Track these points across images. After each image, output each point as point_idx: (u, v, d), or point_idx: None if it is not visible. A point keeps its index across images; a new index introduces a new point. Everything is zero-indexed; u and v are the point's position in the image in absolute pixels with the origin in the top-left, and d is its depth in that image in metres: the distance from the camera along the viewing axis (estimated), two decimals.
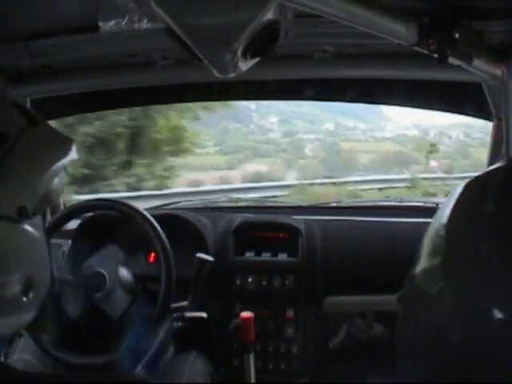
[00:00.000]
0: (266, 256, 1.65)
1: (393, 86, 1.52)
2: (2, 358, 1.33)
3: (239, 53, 0.94)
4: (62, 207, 1.77)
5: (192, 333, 1.56)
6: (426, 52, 0.97)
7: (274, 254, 1.66)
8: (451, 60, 0.97)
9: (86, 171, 4.84)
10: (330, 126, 8.01)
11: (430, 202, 1.86)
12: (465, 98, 1.50)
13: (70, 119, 3.97)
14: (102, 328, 1.36)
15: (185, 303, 1.40)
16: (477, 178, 0.43)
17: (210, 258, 1.42)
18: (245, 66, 1.00)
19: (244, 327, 1.35)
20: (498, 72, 1.08)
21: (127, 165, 5.26)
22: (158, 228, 1.38)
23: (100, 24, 1.05)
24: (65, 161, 0.70)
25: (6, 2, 1.01)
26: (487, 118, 1.43)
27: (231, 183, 5.81)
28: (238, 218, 1.74)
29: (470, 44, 0.97)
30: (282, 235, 1.70)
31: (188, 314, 1.39)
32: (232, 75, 1.00)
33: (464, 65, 1.01)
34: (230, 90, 1.65)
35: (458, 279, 0.38)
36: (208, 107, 5.45)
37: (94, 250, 1.44)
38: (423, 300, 0.41)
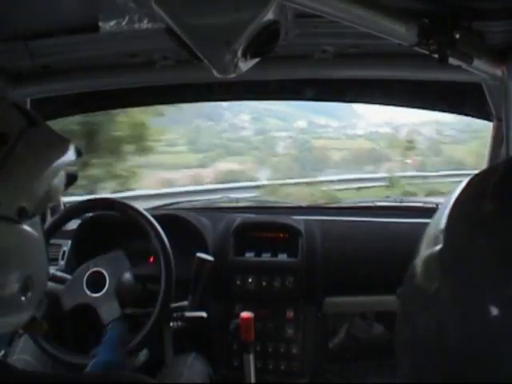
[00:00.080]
0: (265, 256, 1.65)
1: (393, 87, 1.52)
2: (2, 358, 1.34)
3: (239, 53, 0.94)
4: (62, 207, 1.77)
5: (192, 333, 1.56)
6: (426, 52, 0.97)
7: (274, 255, 1.66)
8: (451, 60, 0.97)
9: None
10: (302, 123, 7.99)
11: (430, 203, 1.86)
12: (465, 98, 1.50)
13: None
14: (91, 328, 1.36)
15: (185, 303, 1.40)
16: (476, 176, 0.43)
17: (210, 258, 1.42)
18: (245, 66, 1.00)
19: (244, 327, 1.35)
20: (498, 72, 1.08)
21: (81, 166, 4.97)
22: (159, 228, 1.38)
23: (100, 24, 1.05)
24: (64, 161, 0.70)
25: (5, 2, 1.01)
26: (487, 118, 1.42)
27: (202, 182, 5.67)
28: (238, 218, 1.74)
29: (470, 44, 0.97)
30: (281, 235, 1.70)
31: (188, 314, 1.39)
32: (232, 75, 1.00)
33: (464, 65, 1.01)
34: (230, 90, 1.65)
35: (456, 278, 0.38)
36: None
37: (95, 250, 1.44)
38: (421, 299, 0.41)
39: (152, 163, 6.06)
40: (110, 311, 1.30)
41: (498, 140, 1.38)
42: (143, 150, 5.21)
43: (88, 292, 1.33)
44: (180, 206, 1.95)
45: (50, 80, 1.43)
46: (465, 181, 0.43)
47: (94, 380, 0.72)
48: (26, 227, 0.64)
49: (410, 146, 6.33)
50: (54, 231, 1.41)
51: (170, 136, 6.93)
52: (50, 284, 1.35)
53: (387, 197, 2.06)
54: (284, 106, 7.37)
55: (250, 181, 5.66)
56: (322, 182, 5.65)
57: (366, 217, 1.78)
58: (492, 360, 0.35)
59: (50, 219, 1.49)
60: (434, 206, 1.75)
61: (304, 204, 2.03)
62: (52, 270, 1.44)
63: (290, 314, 1.63)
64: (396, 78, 1.43)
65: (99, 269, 1.36)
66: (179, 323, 1.42)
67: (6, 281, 0.61)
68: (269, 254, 1.66)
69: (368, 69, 1.35)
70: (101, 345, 1.21)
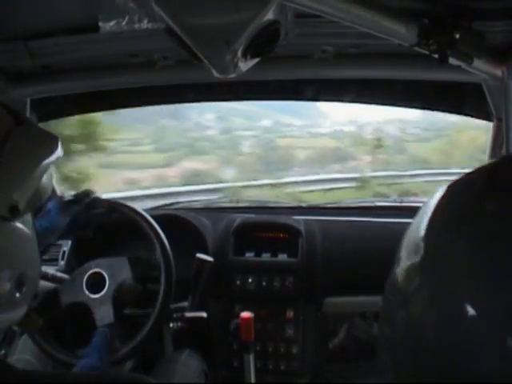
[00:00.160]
0: (266, 256, 1.65)
1: (393, 86, 1.52)
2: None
3: (239, 53, 0.94)
4: None
5: (192, 333, 1.56)
6: (427, 52, 0.97)
7: (274, 255, 1.66)
8: (451, 60, 0.97)
9: None
10: (267, 122, 7.94)
11: None
12: (465, 98, 1.50)
13: None
14: (84, 328, 1.36)
15: (185, 304, 1.40)
16: (463, 176, 0.43)
17: (209, 259, 1.42)
18: (245, 66, 1.00)
19: (244, 327, 1.35)
20: (498, 72, 1.08)
21: None
22: (158, 228, 1.37)
23: (100, 24, 1.05)
24: (52, 158, 0.71)
25: (6, 2, 1.01)
26: (487, 118, 1.42)
27: (166, 182, 5.60)
28: (238, 218, 1.74)
29: (471, 44, 0.97)
30: (282, 235, 1.70)
31: (188, 314, 1.39)
32: (232, 75, 1.00)
33: (464, 65, 1.01)
34: (230, 90, 1.65)
35: (435, 277, 0.38)
36: None
37: (95, 250, 1.44)
38: (400, 297, 0.41)
39: (116, 163, 5.99)
40: (103, 315, 1.30)
41: (498, 140, 1.38)
42: (95, 150, 5.02)
43: (86, 292, 1.33)
44: (180, 206, 1.96)
45: (49, 80, 1.43)
46: (445, 186, 0.43)
47: (94, 380, 0.72)
48: (18, 225, 0.65)
49: (378, 144, 6.19)
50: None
51: (134, 135, 6.85)
52: (50, 285, 1.35)
53: (387, 197, 2.05)
54: (249, 105, 7.31)
55: (215, 180, 5.51)
56: (288, 184, 5.31)
57: (366, 217, 1.78)
58: (466, 356, 0.35)
59: None
60: None
61: (304, 204, 2.03)
62: (52, 270, 1.44)
63: (290, 313, 1.63)
64: (396, 78, 1.42)
65: (100, 270, 1.35)
66: (179, 323, 1.42)
67: (0, 278, 0.62)
68: (269, 254, 1.66)
69: (368, 69, 1.35)
70: (87, 348, 1.21)
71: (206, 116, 7.25)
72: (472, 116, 1.54)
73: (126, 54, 1.29)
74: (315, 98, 1.70)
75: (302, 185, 5.24)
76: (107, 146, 5.31)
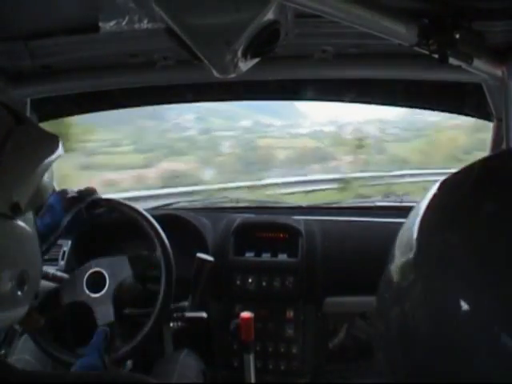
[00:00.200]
0: (265, 256, 1.65)
1: (393, 86, 1.52)
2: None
3: (239, 53, 0.94)
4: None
5: (192, 333, 1.56)
6: (427, 52, 0.97)
7: (274, 255, 1.66)
8: (451, 60, 0.97)
9: None
10: (246, 123, 7.91)
11: None
12: (465, 98, 1.50)
13: None
14: (85, 327, 1.36)
15: (185, 303, 1.40)
16: (454, 175, 0.43)
17: (210, 258, 1.42)
18: (245, 66, 1.00)
19: (244, 327, 1.35)
20: (499, 72, 1.08)
21: None
22: (159, 228, 1.37)
23: (100, 24, 1.05)
24: (53, 157, 0.72)
25: (5, 2, 1.01)
26: (487, 118, 1.42)
27: (146, 183, 5.56)
28: (238, 218, 1.74)
29: (471, 44, 0.97)
30: (282, 235, 1.70)
31: (188, 314, 1.39)
32: (232, 75, 1.00)
33: (464, 65, 1.01)
34: (230, 90, 1.65)
35: (428, 274, 0.38)
36: None
37: (95, 250, 1.44)
38: (394, 295, 0.41)
39: (96, 164, 5.95)
40: (104, 314, 1.30)
41: (498, 140, 1.38)
42: (69, 151, 5.04)
43: (87, 291, 1.33)
44: (180, 205, 1.96)
45: (49, 80, 1.43)
46: (437, 183, 0.43)
47: (94, 380, 0.72)
48: (20, 223, 0.65)
49: (360, 144, 6.11)
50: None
51: (113, 136, 6.81)
52: (51, 284, 1.35)
53: (387, 197, 2.05)
54: (228, 105, 7.25)
55: (194, 181, 5.43)
56: (269, 186, 5.08)
57: (366, 217, 1.78)
58: (460, 352, 0.35)
59: None
60: None
61: (304, 204, 2.03)
62: (52, 269, 1.44)
63: (290, 313, 1.63)
64: (396, 78, 1.42)
65: (100, 270, 1.35)
66: (179, 323, 1.42)
67: (2, 276, 0.62)
68: (269, 254, 1.66)
69: (368, 69, 1.35)
70: (87, 347, 1.21)
71: (185, 117, 7.22)
72: (472, 116, 1.54)
73: (126, 53, 1.29)
74: (315, 97, 1.70)
75: (282, 187, 5.05)
76: (82, 147, 5.30)
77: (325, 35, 1.16)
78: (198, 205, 1.99)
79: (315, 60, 1.30)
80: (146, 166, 6.27)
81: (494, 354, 0.33)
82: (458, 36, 0.94)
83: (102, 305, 1.31)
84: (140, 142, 7.07)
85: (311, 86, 1.61)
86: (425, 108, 1.70)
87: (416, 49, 0.97)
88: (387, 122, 7.47)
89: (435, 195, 0.43)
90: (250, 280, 1.62)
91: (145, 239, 1.38)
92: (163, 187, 5.17)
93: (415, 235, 0.41)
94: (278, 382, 1.64)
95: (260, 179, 5.50)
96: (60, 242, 1.61)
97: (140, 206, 1.43)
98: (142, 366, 1.39)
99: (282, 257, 1.65)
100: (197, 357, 1.48)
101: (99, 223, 1.61)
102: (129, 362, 1.39)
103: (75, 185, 1.39)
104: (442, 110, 1.65)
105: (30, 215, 0.68)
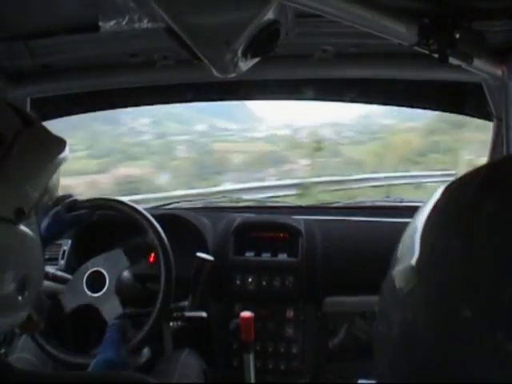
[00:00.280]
0: (265, 256, 1.65)
1: (393, 86, 1.52)
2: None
3: (239, 53, 0.94)
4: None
5: (192, 332, 1.56)
6: (427, 52, 0.97)
7: (274, 254, 1.66)
8: (451, 60, 0.97)
9: None
10: (202, 127, 7.86)
11: None
12: (465, 98, 1.50)
13: None
14: (94, 328, 1.36)
15: (185, 303, 1.40)
16: (458, 179, 0.43)
17: (210, 258, 1.42)
18: (245, 65, 1.00)
19: (244, 327, 1.35)
20: (499, 72, 1.08)
21: None
22: (158, 228, 1.37)
23: (100, 24, 1.05)
24: (59, 161, 0.71)
25: (5, 2, 1.01)
26: (487, 118, 1.42)
27: (99, 189, 5.40)
28: (238, 217, 1.74)
29: (471, 44, 0.97)
30: (282, 235, 1.70)
31: (188, 314, 1.39)
32: (232, 75, 1.00)
33: (464, 65, 1.01)
34: (230, 90, 1.65)
35: (430, 277, 0.38)
36: None
37: (95, 250, 1.44)
38: (397, 297, 0.41)
39: None
40: (111, 309, 1.31)
41: (498, 140, 1.38)
42: None
43: (89, 292, 1.34)
44: (180, 205, 1.96)
45: (50, 80, 1.43)
46: (441, 187, 0.43)
47: (94, 380, 0.72)
48: (23, 227, 0.64)
49: (317, 147, 5.92)
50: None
51: (67, 141, 6.77)
52: (51, 284, 1.35)
53: (387, 197, 2.06)
54: (184, 109, 7.20)
55: (149, 187, 5.29)
56: (224, 192, 4.48)
57: (366, 217, 1.78)
58: (463, 360, 0.35)
59: None
60: None
61: (304, 204, 2.03)
62: (52, 269, 1.44)
63: (290, 313, 1.63)
64: (396, 78, 1.42)
65: (98, 268, 1.36)
66: (179, 323, 1.42)
67: (3, 280, 0.61)
68: (269, 254, 1.66)
69: (368, 68, 1.35)
70: (102, 344, 1.21)
71: (140, 121, 7.12)
72: (472, 116, 1.54)
73: (125, 53, 1.29)
74: (315, 97, 1.70)
75: (237, 193, 4.54)
76: None
77: (325, 35, 1.16)
78: (197, 204, 1.99)
79: (315, 60, 1.30)
80: (100, 171, 6.17)
81: (495, 359, 0.33)
82: (458, 36, 0.94)
83: (106, 301, 1.32)
84: (94, 146, 6.93)
85: (311, 85, 1.61)
86: (425, 108, 1.70)
87: (416, 48, 0.97)
88: (342, 126, 7.49)
89: (439, 200, 0.43)
90: (249, 280, 1.62)
91: (144, 238, 1.39)
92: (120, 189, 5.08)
93: (418, 239, 0.41)
94: (278, 382, 1.64)
95: (215, 184, 5.37)
96: (60, 241, 1.62)
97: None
98: (142, 366, 1.39)
99: (282, 256, 1.65)
100: (198, 356, 1.48)
101: (100, 222, 1.61)
102: (145, 350, 1.38)
103: None
104: (442, 110, 1.65)
105: (33, 220, 0.68)
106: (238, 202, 2.04)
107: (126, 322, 1.30)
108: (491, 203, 0.38)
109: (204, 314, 1.40)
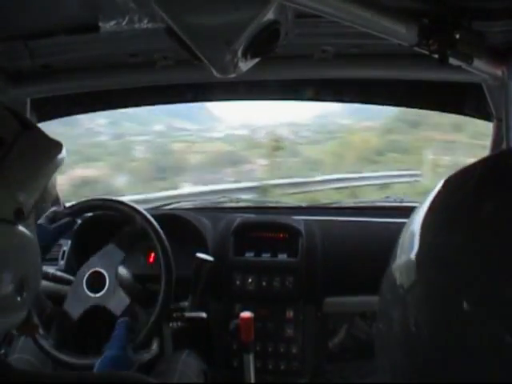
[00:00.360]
0: (265, 256, 1.65)
1: (393, 86, 1.52)
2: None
3: (239, 53, 0.94)
4: (62, 207, 1.77)
5: (192, 333, 1.56)
6: (427, 52, 0.97)
7: (274, 255, 1.66)
8: (451, 60, 0.97)
9: None
10: (160, 127, 7.81)
11: None
12: (465, 98, 1.50)
13: None
14: (105, 326, 1.36)
15: (185, 303, 1.40)
16: (456, 174, 0.43)
17: (209, 258, 1.42)
18: (245, 66, 1.00)
19: (244, 327, 1.35)
20: (499, 72, 1.08)
21: None
22: (158, 228, 1.38)
23: (100, 24, 1.05)
24: (58, 162, 0.72)
25: (5, 2, 1.01)
26: (487, 118, 1.42)
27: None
28: (238, 218, 1.74)
29: (471, 44, 0.97)
30: (281, 235, 1.70)
31: (188, 314, 1.39)
32: (232, 75, 1.00)
33: (464, 65, 1.01)
34: (230, 90, 1.65)
35: (430, 273, 0.38)
36: None
37: (94, 249, 1.44)
38: (396, 295, 0.41)
39: None
40: (118, 302, 1.32)
41: (498, 140, 1.38)
42: None
43: (91, 294, 1.34)
44: (180, 205, 1.96)
45: (49, 80, 1.43)
46: (440, 182, 0.43)
47: (94, 380, 0.72)
48: (22, 228, 0.64)
49: (277, 146, 5.79)
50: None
51: None
52: (51, 285, 1.35)
53: (387, 197, 2.05)
54: (141, 109, 7.19)
55: (106, 190, 5.12)
56: (181, 196, 4.25)
57: (366, 217, 1.78)
58: (462, 354, 0.35)
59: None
60: None
61: (304, 204, 2.03)
62: (52, 269, 1.44)
63: (290, 313, 1.62)
64: (396, 78, 1.42)
65: (96, 268, 1.36)
66: (179, 323, 1.42)
67: (2, 281, 0.62)
68: (269, 254, 1.66)
69: (368, 69, 1.35)
70: (110, 341, 1.22)
71: (97, 121, 7.03)
72: (472, 116, 1.54)
73: (126, 53, 1.29)
74: (315, 97, 1.70)
75: (198, 196, 4.16)
76: None
77: (325, 35, 1.16)
78: (197, 205, 1.99)
79: (315, 60, 1.30)
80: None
81: (496, 355, 0.33)
82: (458, 36, 0.94)
83: (111, 297, 1.32)
84: None
85: (311, 85, 1.61)
86: (425, 108, 1.70)
87: (416, 49, 0.97)
88: (299, 125, 7.45)
89: (438, 195, 0.43)
90: (249, 280, 1.62)
91: (145, 239, 1.39)
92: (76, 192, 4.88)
93: (417, 235, 0.41)
94: (278, 382, 1.64)
95: (173, 185, 5.28)
96: (60, 241, 1.62)
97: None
98: (142, 366, 1.39)
99: (282, 257, 1.65)
100: (198, 357, 1.48)
101: (100, 222, 1.62)
102: (154, 346, 1.38)
103: None
104: (442, 110, 1.65)
105: (31, 221, 0.68)
106: (237, 202, 2.04)
107: (136, 311, 1.31)
108: (490, 198, 0.38)
109: (204, 315, 1.40)
